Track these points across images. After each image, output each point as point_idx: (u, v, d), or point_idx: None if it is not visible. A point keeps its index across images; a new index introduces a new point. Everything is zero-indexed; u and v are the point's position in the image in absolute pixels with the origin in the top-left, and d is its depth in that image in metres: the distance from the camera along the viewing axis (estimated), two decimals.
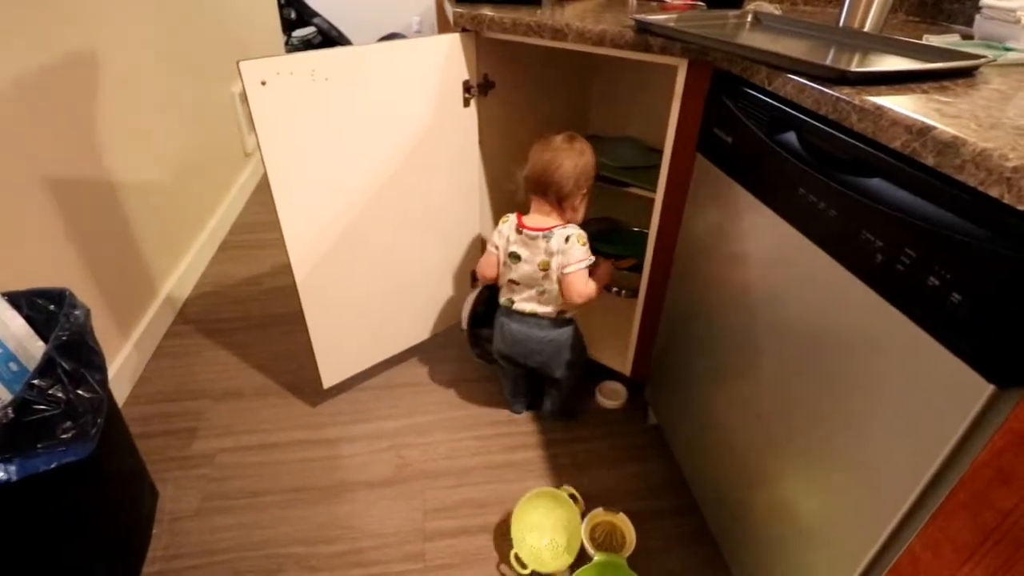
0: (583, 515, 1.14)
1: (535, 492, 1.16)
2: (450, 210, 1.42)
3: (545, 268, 1.16)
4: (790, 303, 0.78)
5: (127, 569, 1.05)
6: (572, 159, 1.13)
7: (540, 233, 1.15)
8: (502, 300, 1.27)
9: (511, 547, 1.09)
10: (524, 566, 1.07)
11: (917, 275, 0.56)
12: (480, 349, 1.42)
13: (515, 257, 1.18)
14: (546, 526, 1.14)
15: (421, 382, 1.52)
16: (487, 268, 1.25)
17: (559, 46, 1.11)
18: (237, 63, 0.95)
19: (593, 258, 1.16)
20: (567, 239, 1.14)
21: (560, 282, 1.16)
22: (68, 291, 0.95)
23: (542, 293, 1.19)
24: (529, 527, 1.13)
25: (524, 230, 1.16)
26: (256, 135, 1.02)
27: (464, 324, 1.37)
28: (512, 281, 1.22)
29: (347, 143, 1.15)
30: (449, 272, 1.50)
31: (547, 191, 1.15)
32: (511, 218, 1.20)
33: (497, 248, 1.21)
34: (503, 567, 1.10)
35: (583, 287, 1.15)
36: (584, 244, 1.14)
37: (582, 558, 1.08)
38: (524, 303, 1.22)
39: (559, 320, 1.23)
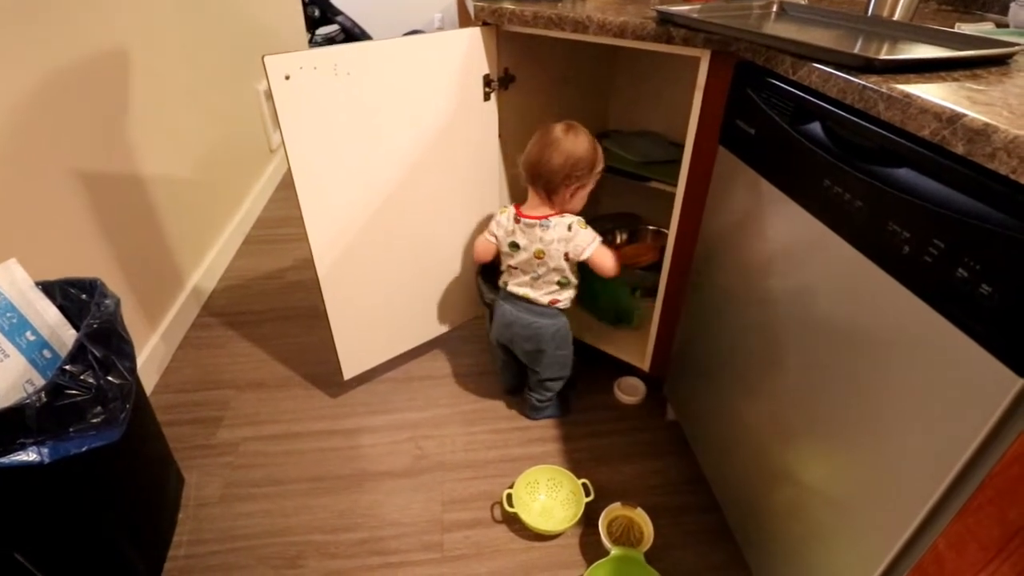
0: (598, 508, 1.13)
1: (545, 466, 1.24)
2: (469, 204, 1.42)
3: (540, 256, 1.17)
4: (814, 296, 0.77)
5: (155, 552, 1.08)
6: (563, 152, 1.12)
7: (537, 221, 1.16)
8: (500, 282, 1.30)
9: (512, 507, 1.15)
10: (512, 505, 1.14)
11: (945, 266, 0.55)
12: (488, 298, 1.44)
13: (515, 246, 1.20)
14: (542, 483, 1.22)
15: (440, 375, 1.53)
16: (482, 254, 1.28)
17: (580, 39, 1.10)
18: (262, 57, 0.96)
19: (599, 236, 1.18)
20: (569, 227, 1.15)
21: (589, 265, 1.19)
22: (99, 281, 0.98)
23: (536, 279, 1.22)
24: (528, 484, 1.21)
25: (522, 219, 1.18)
26: (280, 130, 1.04)
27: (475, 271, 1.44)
28: (511, 267, 1.24)
29: (368, 137, 1.16)
30: (468, 266, 1.51)
31: (536, 182, 1.16)
32: (509, 209, 1.22)
33: (496, 237, 1.24)
34: (496, 507, 1.20)
35: (609, 261, 1.19)
36: (586, 227, 1.17)
37: (595, 550, 1.08)
38: (518, 287, 1.25)
39: (550, 310, 1.24)
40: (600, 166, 1.18)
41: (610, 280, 1.25)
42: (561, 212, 1.18)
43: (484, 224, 1.46)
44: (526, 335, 1.26)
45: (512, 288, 1.25)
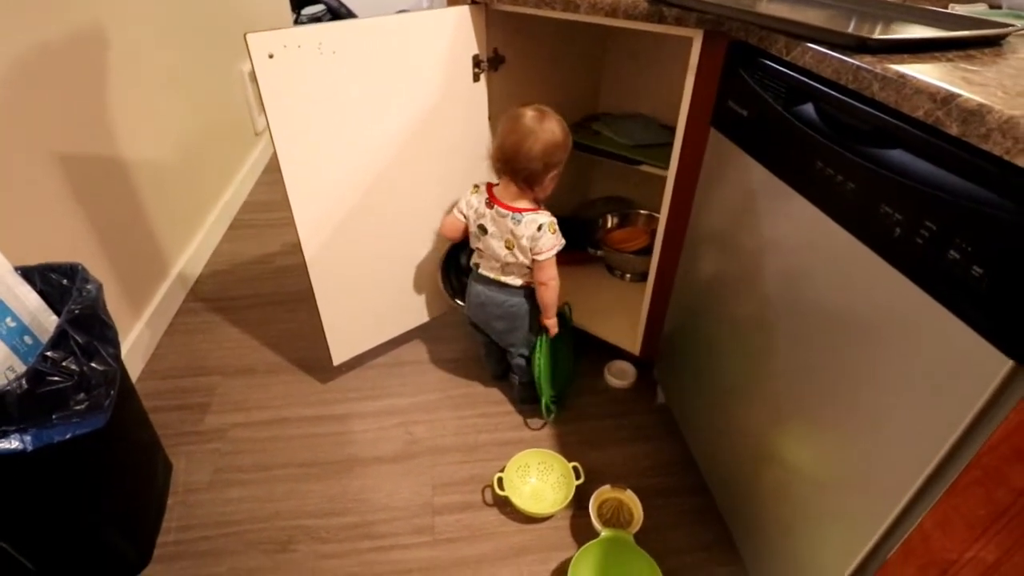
0: (588, 491, 1.14)
1: (535, 449, 1.24)
2: (459, 187, 1.40)
3: (510, 247, 1.15)
4: (805, 279, 0.77)
5: (143, 538, 1.07)
6: (542, 142, 1.07)
7: (511, 213, 1.13)
8: (471, 263, 1.28)
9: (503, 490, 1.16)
10: (503, 489, 1.15)
11: (937, 249, 0.55)
12: (450, 288, 1.46)
13: (483, 230, 1.18)
14: (532, 466, 1.22)
15: (430, 360, 1.53)
16: (450, 230, 1.25)
17: (571, 18, 1.08)
18: (245, 35, 0.94)
19: (563, 242, 1.15)
20: (539, 227, 1.11)
21: (533, 265, 1.17)
22: (80, 265, 0.96)
23: (506, 266, 1.20)
24: (519, 467, 1.21)
25: (496, 206, 1.15)
26: (264, 111, 1.01)
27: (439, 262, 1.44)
28: (479, 249, 1.23)
29: (355, 118, 1.14)
30: None
31: (516, 174, 1.10)
32: (481, 190, 1.18)
33: (465, 217, 1.21)
34: (487, 490, 1.20)
35: (550, 272, 1.16)
36: (555, 232, 1.13)
37: (585, 532, 1.09)
38: (489, 271, 1.24)
39: (524, 289, 1.23)
40: (570, 143, 1.14)
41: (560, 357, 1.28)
42: (537, 207, 1.14)
43: None
44: (499, 314, 1.25)
45: (483, 271, 1.24)
